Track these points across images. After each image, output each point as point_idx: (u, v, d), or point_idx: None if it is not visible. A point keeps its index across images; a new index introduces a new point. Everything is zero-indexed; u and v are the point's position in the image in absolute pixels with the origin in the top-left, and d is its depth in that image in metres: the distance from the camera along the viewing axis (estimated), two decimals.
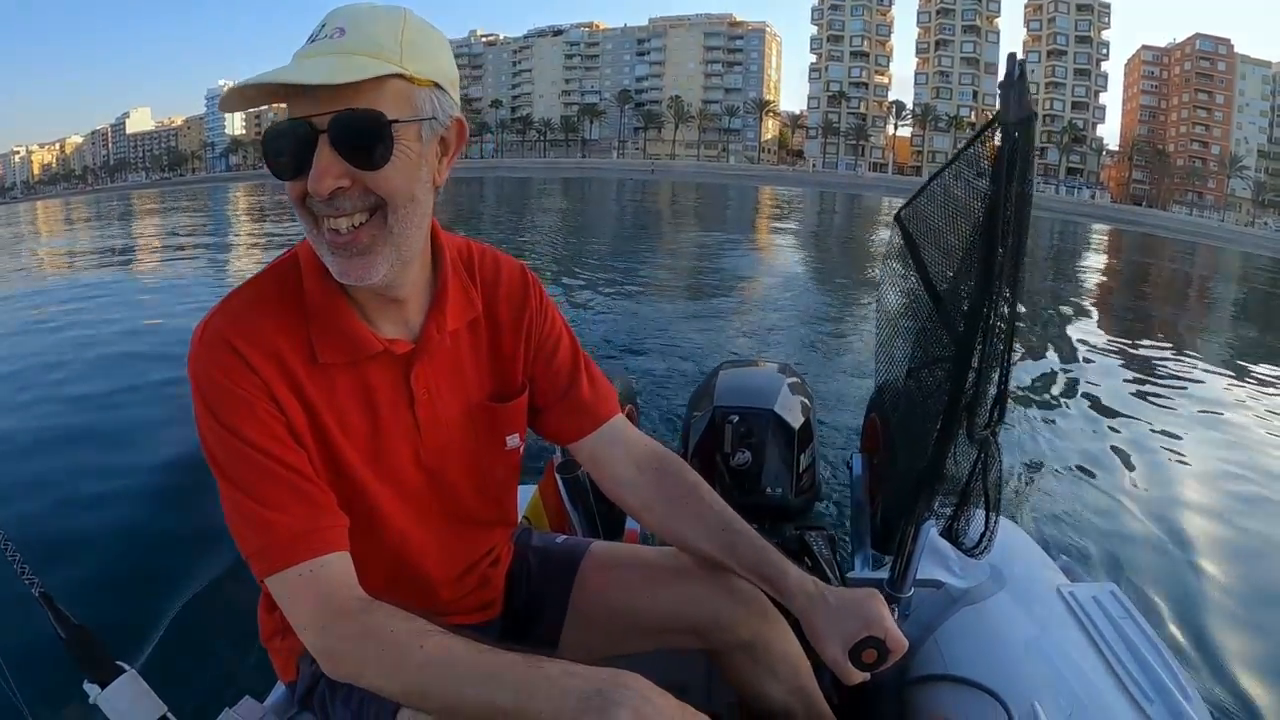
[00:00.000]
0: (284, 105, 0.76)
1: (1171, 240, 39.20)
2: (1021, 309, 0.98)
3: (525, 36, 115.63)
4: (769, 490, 1.77)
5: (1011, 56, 0.91)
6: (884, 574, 1.27)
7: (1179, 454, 4.37)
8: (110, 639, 0.92)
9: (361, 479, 0.88)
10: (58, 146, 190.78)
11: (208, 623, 2.35)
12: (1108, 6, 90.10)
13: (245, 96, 0.74)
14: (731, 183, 58.76)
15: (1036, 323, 8.23)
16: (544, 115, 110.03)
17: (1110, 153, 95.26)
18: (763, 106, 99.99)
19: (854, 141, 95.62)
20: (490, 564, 1.07)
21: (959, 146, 1.01)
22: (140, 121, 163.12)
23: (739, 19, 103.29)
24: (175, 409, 3.99)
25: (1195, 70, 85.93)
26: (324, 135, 0.74)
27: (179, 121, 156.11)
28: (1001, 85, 0.92)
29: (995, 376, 0.99)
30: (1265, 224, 75.35)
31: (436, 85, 0.80)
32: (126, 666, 0.92)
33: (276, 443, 0.80)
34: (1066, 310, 9.88)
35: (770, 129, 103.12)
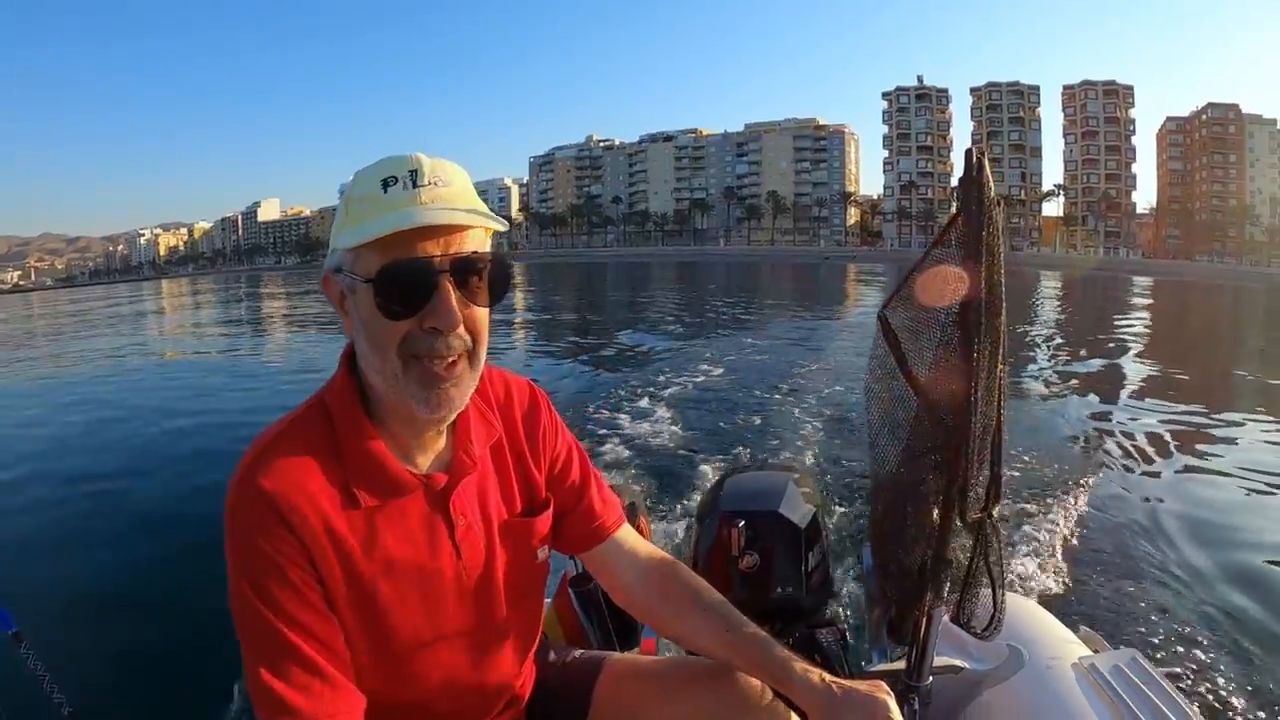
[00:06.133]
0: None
1: (1200, 284, 42.81)
2: (1007, 384, 0.98)
3: (639, 141, 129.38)
4: (779, 590, 1.74)
5: (968, 151, 0.91)
6: (902, 664, 1.25)
7: (1196, 506, 4.24)
8: None
9: (401, 615, 0.89)
10: (185, 231, 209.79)
11: None
12: (1130, 88, 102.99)
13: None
14: (834, 262, 70.20)
15: (1056, 379, 8.15)
16: (658, 209, 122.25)
17: (1140, 215, 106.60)
18: (846, 197, 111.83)
19: (923, 223, 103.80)
20: (519, 682, 1.09)
21: (934, 235, 1.05)
22: (269, 211, 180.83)
23: (822, 122, 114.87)
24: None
25: (1209, 135, 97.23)
26: (446, 275, 0.80)
27: (306, 212, 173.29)
28: (960, 180, 0.92)
29: (988, 459, 0.99)
30: None
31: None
32: None
33: (306, 610, 0.80)
34: (1084, 365, 9.48)
35: (852, 215, 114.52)
